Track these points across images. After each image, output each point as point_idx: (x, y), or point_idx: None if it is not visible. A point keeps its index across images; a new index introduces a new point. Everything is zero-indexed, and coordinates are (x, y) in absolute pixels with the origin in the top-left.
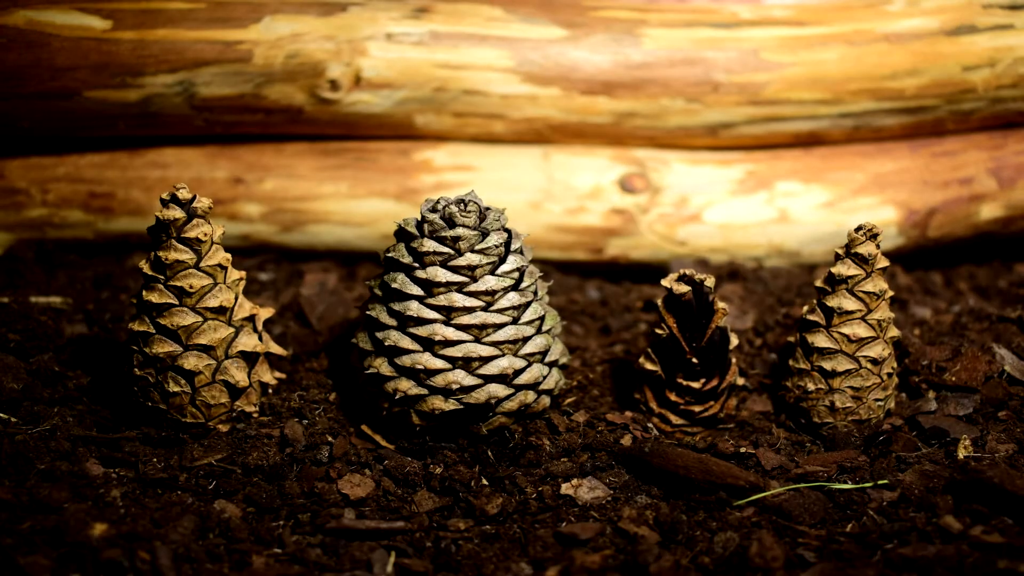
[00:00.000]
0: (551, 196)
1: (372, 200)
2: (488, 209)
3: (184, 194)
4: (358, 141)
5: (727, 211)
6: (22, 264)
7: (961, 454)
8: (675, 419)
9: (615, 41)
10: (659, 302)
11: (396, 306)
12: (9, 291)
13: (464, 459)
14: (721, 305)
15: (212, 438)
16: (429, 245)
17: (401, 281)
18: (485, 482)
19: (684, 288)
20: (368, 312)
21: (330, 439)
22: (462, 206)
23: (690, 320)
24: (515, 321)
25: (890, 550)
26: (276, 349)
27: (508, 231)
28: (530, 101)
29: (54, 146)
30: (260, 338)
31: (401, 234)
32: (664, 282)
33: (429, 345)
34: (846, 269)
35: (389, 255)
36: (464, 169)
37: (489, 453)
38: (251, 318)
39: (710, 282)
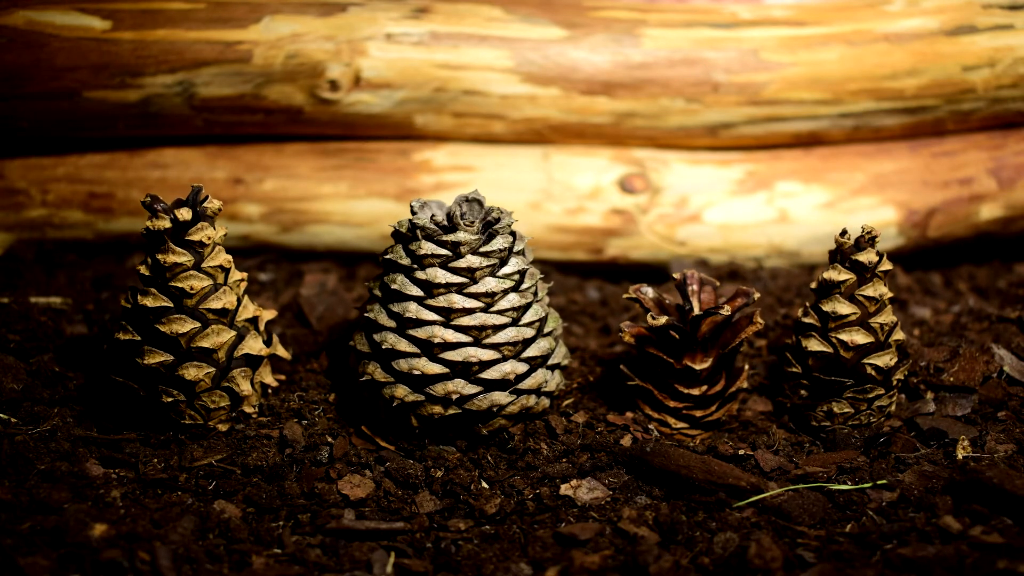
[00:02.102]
0: (551, 196)
1: (372, 200)
2: (499, 212)
3: (184, 213)
4: (358, 141)
5: (727, 211)
6: (22, 264)
7: (960, 454)
8: (675, 423)
9: (615, 41)
10: (627, 334)
11: (395, 307)
12: (9, 291)
13: (464, 462)
14: (759, 320)
15: (212, 439)
16: (427, 248)
17: (400, 282)
18: (485, 484)
19: (662, 320)
20: (366, 314)
21: (330, 440)
22: (465, 205)
23: (674, 342)
24: (516, 322)
25: (889, 550)
26: (282, 352)
27: (513, 233)
28: (530, 101)
29: (54, 146)
30: (267, 341)
31: (400, 236)
32: (641, 292)
33: (428, 348)
34: (837, 274)
35: (387, 257)
36: (464, 169)
37: (488, 456)
38: (254, 320)
39: (756, 295)
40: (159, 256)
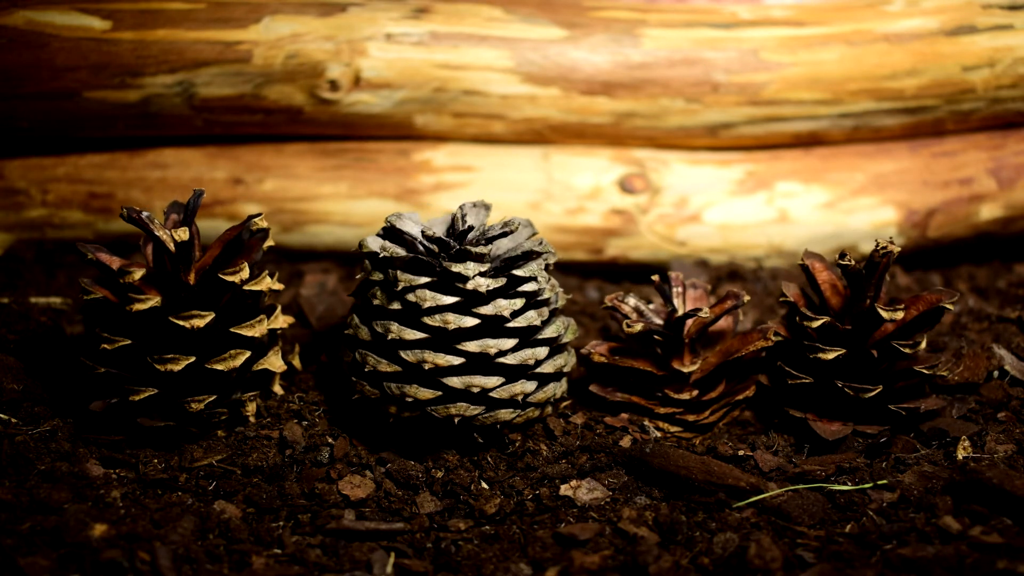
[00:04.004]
0: (551, 196)
1: (372, 200)
2: (517, 224)
3: (181, 234)
4: (358, 141)
5: (727, 211)
6: (22, 264)
7: (960, 455)
8: (668, 427)
9: (615, 41)
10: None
11: (377, 326)
12: (9, 291)
13: (464, 463)
14: (772, 338)
15: (212, 439)
16: (405, 278)
17: (382, 297)
18: (485, 485)
19: (637, 327)
20: (346, 331)
21: (330, 440)
22: (470, 211)
23: (659, 347)
24: (529, 343)
25: (889, 551)
26: (297, 364)
27: (544, 253)
28: (530, 101)
29: (54, 146)
30: (284, 354)
31: (381, 262)
32: (625, 315)
33: (418, 372)
34: (812, 324)
35: (373, 279)
36: (464, 169)
37: (488, 457)
38: (272, 331)
39: (745, 297)
40: (128, 308)
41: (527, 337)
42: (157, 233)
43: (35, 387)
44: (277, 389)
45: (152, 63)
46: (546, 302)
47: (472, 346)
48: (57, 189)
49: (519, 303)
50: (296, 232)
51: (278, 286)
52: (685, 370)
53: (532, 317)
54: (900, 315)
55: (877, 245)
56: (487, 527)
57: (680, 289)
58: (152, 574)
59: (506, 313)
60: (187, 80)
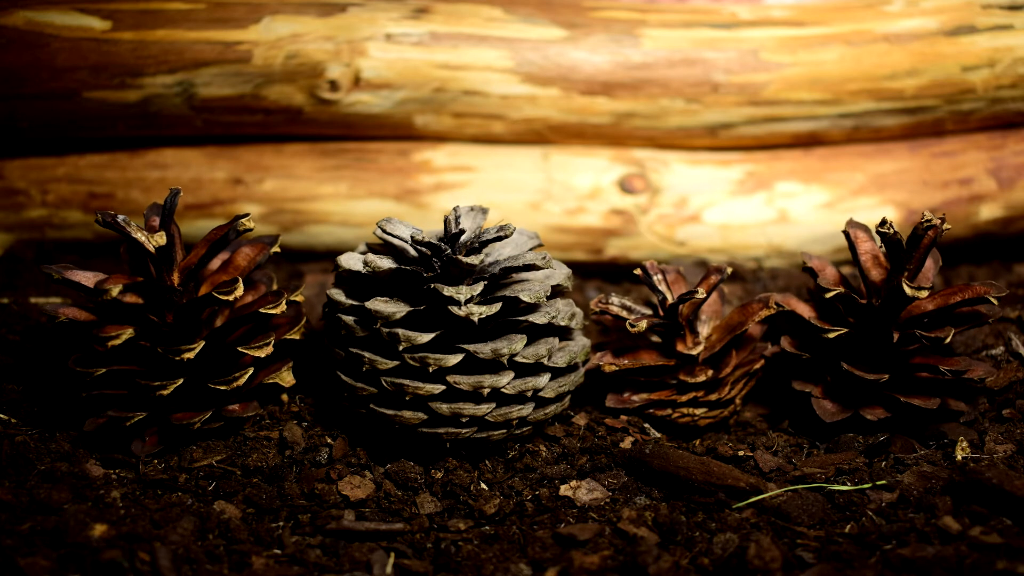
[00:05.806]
0: (551, 196)
1: (371, 200)
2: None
3: (159, 239)
4: (358, 142)
5: (726, 211)
6: (22, 264)
7: (959, 455)
8: (692, 410)
9: (615, 41)
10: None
11: (353, 350)
12: (9, 291)
13: (463, 464)
14: (774, 305)
15: (211, 440)
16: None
17: (355, 327)
18: (484, 486)
19: (643, 325)
20: (325, 352)
21: (329, 441)
22: (467, 215)
23: (661, 336)
24: (533, 372)
25: (889, 551)
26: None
27: (543, 268)
28: (529, 101)
29: (54, 146)
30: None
31: (363, 279)
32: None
33: (401, 397)
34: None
35: (369, 306)
36: (463, 170)
37: (487, 460)
38: (286, 343)
39: (728, 269)
40: (106, 344)
41: (531, 369)
42: (135, 236)
43: (35, 387)
44: (284, 398)
45: (152, 63)
46: (560, 332)
47: (465, 383)
48: (57, 189)
49: (519, 343)
50: (296, 232)
51: (300, 298)
52: (693, 352)
53: (540, 353)
54: (924, 293)
55: (922, 218)
56: (487, 527)
57: (660, 276)
58: (152, 574)
59: (504, 360)
60: (187, 80)
